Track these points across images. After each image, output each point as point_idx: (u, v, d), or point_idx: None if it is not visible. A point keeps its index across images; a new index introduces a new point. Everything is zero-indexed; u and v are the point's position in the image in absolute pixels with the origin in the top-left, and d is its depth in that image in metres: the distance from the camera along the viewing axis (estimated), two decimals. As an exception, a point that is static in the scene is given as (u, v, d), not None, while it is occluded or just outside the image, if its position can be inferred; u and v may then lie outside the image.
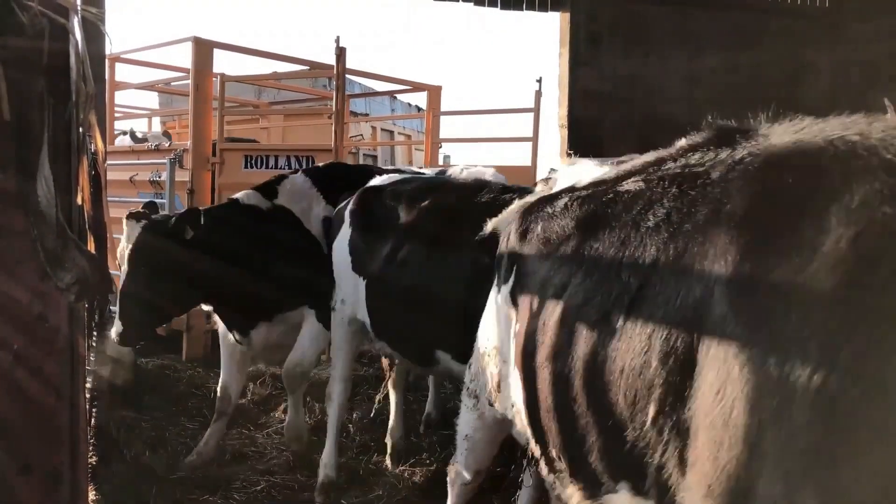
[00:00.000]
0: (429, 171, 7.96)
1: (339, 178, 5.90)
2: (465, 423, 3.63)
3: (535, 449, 2.77)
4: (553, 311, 2.47)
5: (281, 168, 7.89)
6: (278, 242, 5.36)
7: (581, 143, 10.39)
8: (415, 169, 7.55)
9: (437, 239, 4.26)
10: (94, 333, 4.91)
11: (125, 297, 4.98)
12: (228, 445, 5.62)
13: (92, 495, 4.29)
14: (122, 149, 9.60)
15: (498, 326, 3.18)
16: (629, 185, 2.40)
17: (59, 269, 1.78)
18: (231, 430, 5.86)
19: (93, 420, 4.66)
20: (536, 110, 9.71)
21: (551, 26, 11.19)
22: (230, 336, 5.51)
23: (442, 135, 10.71)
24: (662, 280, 1.99)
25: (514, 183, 5.08)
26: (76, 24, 1.93)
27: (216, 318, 5.68)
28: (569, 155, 10.11)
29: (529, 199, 3.26)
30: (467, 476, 3.71)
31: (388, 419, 6.22)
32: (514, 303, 2.94)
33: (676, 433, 1.83)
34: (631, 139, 9.73)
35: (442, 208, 4.39)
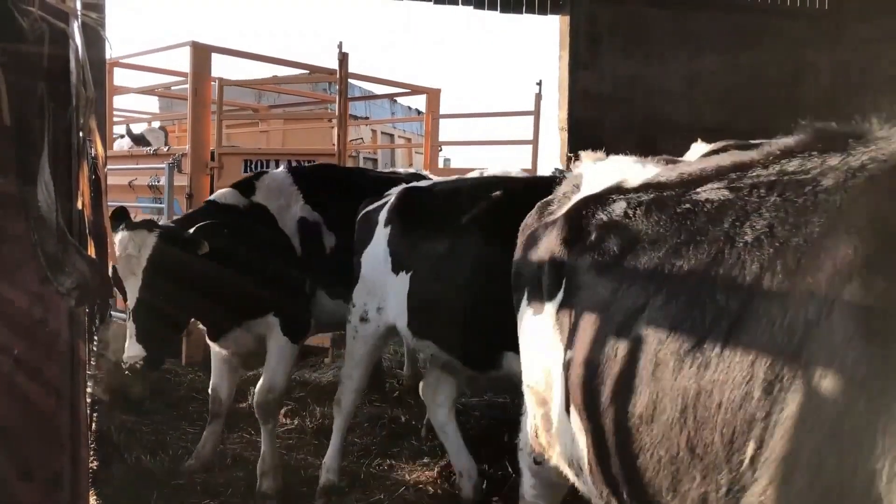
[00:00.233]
0: (433, 176, 7.97)
1: (325, 180, 5.77)
2: (528, 485, 3.32)
3: None
4: (627, 339, 2.14)
5: (281, 173, 7.88)
6: (251, 244, 5.00)
7: (581, 145, 10.33)
8: (412, 170, 7.55)
9: (508, 233, 3.83)
10: (95, 338, 4.91)
11: (147, 314, 4.54)
12: (229, 449, 5.61)
13: (93, 500, 4.28)
14: (121, 153, 9.60)
15: (537, 354, 2.81)
16: (710, 193, 2.14)
17: (60, 274, 1.78)
18: (231, 435, 5.86)
19: (93, 424, 4.66)
20: (536, 113, 9.72)
21: (551, 29, 11.20)
22: None
23: (442, 138, 10.71)
24: (768, 300, 1.75)
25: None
26: (76, 28, 1.93)
27: None
28: (569, 157, 10.14)
29: (561, 199, 3.01)
30: None
31: (387, 423, 6.22)
32: (567, 326, 2.53)
33: (776, 473, 1.60)
34: (631, 141, 9.69)
35: (510, 202, 4.16)
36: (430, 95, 10.34)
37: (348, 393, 5.02)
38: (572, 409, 2.42)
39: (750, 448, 1.66)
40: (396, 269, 4.70)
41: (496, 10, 10.92)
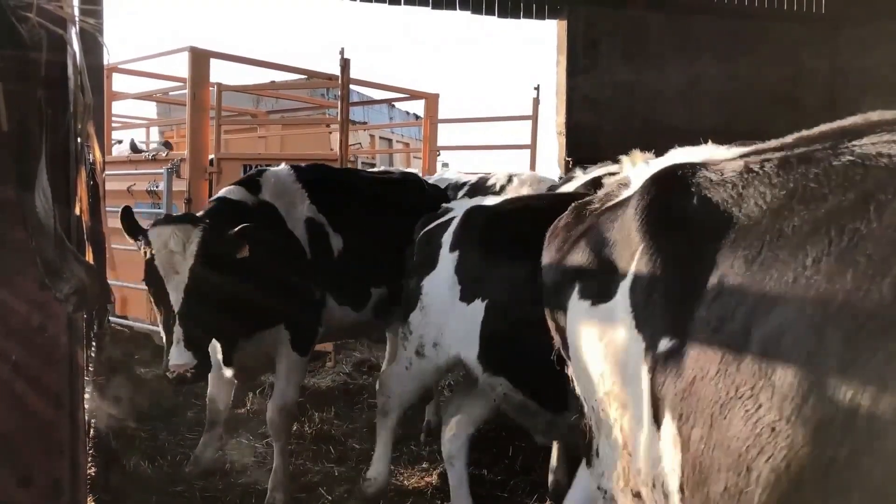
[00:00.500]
0: (434, 179, 7.99)
1: (325, 179, 5.52)
2: None
3: None
4: (771, 322, 1.64)
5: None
6: (263, 245, 4.52)
7: (579, 149, 10.41)
8: (405, 170, 7.55)
9: None
10: (93, 344, 4.88)
11: (196, 316, 4.17)
12: (229, 455, 5.60)
13: (91, 506, 4.27)
14: (119, 159, 9.60)
15: (605, 355, 2.37)
16: (871, 147, 1.73)
17: (58, 280, 1.78)
18: (231, 440, 5.84)
19: (92, 430, 4.65)
20: (534, 118, 9.75)
21: (549, 33, 11.21)
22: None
23: (440, 142, 10.73)
24: None
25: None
26: (74, 34, 1.93)
27: None
28: (567, 162, 10.15)
29: (604, 198, 2.75)
30: None
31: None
32: (659, 311, 2.07)
33: None
34: (630, 146, 9.69)
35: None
36: (428, 100, 10.35)
37: (394, 407, 4.89)
38: (667, 414, 1.94)
39: None
40: (467, 298, 4.33)
41: (493, 14, 10.95)
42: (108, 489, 4.74)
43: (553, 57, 11.08)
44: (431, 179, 7.92)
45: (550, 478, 4.99)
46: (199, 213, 4.79)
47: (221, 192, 5.06)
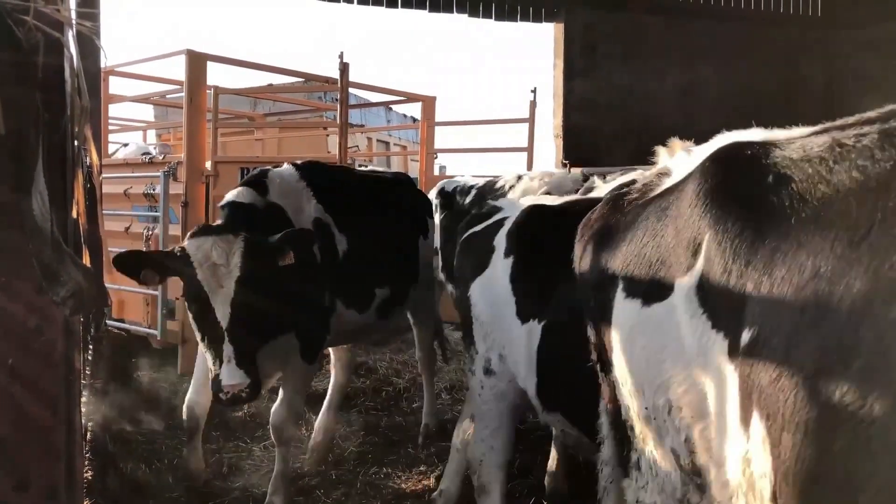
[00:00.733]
0: (441, 182, 7.97)
1: (325, 177, 5.36)
2: None
3: None
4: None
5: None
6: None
7: (576, 152, 10.44)
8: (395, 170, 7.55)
9: None
10: (90, 347, 4.86)
11: (246, 333, 3.96)
12: (224, 458, 5.59)
13: (88, 510, 4.26)
14: (116, 162, 9.60)
15: (674, 380, 2.11)
16: None
17: (55, 283, 1.77)
18: (227, 444, 5.84)
19: (88, 434, 4.64)
20: (531, 120, 9.76)
21: (546, 36, 11.23)
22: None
23: (437, 145, 10.74)
24: None
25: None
26: (71, 38, 1.93)
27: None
28: (564, 164, 10.16)
29: (643, 189, 2.51)
30: None
31: (383, 431, 6.21)
32: (738, 298, 1.84)
33: None
34: (627, 148, 9.75)
35: None
36: (425, 103, 10.36)
37: (492, 470, 3.99)
38: (755, 413, 1.73)
39: None
40: (523, 316, 3.69)
41: (490, 17, 10.99)
42: (104, 493, 4.73)
43: (550, 60, 11.11)
44: (439, 182, 7.93)
45: (548, 480, 4.99)
46: (219, 222, 4.55)
47: (230, 196, 4.78)
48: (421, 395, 6.79)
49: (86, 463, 3.97)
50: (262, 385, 4.36)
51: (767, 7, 11.55)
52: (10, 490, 1.83)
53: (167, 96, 10.90)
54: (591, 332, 2.78)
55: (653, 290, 2.21)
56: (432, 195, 7.74)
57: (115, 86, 10.00)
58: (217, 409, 5.42)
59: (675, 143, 2.76)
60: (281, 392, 4.88)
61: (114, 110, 10.68)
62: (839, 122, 1.87)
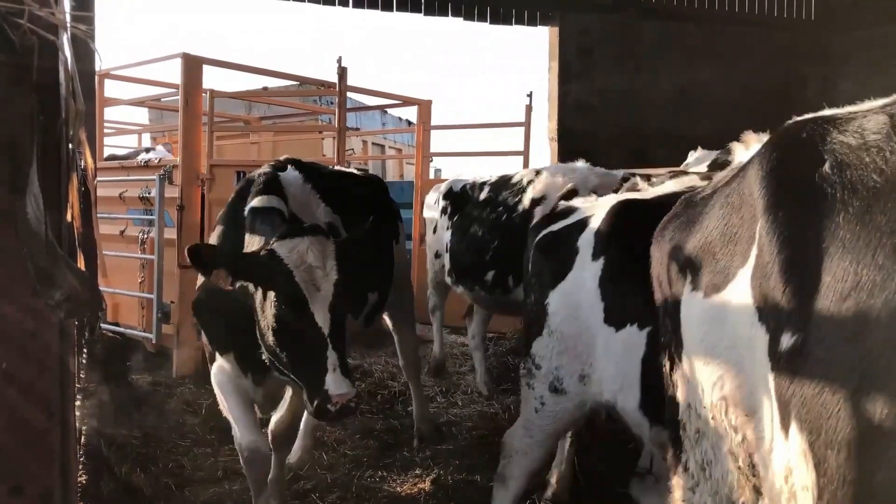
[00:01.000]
0: (450, 180, 7.86)
1: (322, 177, 5.14)
2: None
3: None
4: None
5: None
6: None
7: (571, 155, 10.44)
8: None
9: None
10: (85, 351, 4.84)
11: (344, 338, 3.68)
12: (220, 463, 5.58)
13: (82, 515, 4.25)
14: (111, 165, 9.59)
15: (727, 376, 2.04)
16: None
17: (50, 287, 1.77)
18: (223, 448, 5.82)
19: (83, 438, 4.62)
20: (527, 124, 9.76)
21: (541, 40, 11.26)
22: (239, 376, 4.29)
23: (433, 149, 10.74)
24: None
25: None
26: (66, 41, 1.93)
27: (205, 338, 4.51)
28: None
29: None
30: None
31: (379, 434, 6.19)
32: (792, 293, 1.71)
33: None
34: (622, 151, 9.78)
35: None
36: (421, 107, 10.37)
37: (518, 469, 3.87)
38: (793, 424, 1.62)
39: None
40: (616, 322, 3.33)
41: (486, 21, 11.00)
42: (99, 497, 4.71)
43: (545, 63, 11.13)
44: (444, 183, 7.83)
45: (547, 483, 4.98)
46: (283, 230, 3.98)
47: (259, 203, 4.23)
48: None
49: (80, 467, 3.96)
50: (270, 406, 4.29)
51: (762, 11, 11.60)
52: (5, 494, 1.82)
53: (162, 100, 10.90)
54: (666, 333, 2.63)
55: (715, 280, 2.11)
56: (434, 197, 7.71)
57: (111, 89, 9.98)
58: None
59: (750, 136, 2.58)
60: (286, 399, 4.72)
61: (109, 113, 10.67)
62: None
